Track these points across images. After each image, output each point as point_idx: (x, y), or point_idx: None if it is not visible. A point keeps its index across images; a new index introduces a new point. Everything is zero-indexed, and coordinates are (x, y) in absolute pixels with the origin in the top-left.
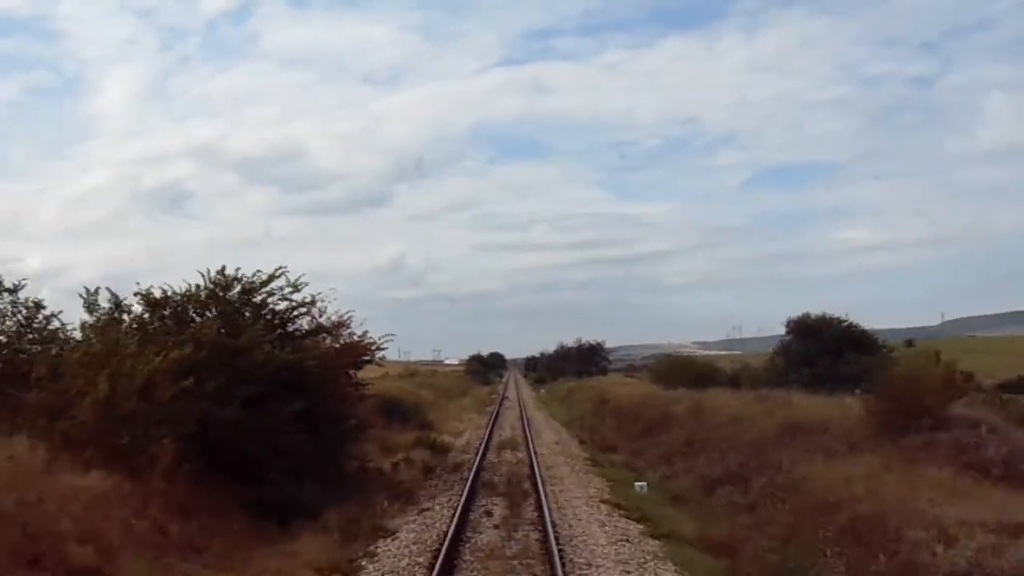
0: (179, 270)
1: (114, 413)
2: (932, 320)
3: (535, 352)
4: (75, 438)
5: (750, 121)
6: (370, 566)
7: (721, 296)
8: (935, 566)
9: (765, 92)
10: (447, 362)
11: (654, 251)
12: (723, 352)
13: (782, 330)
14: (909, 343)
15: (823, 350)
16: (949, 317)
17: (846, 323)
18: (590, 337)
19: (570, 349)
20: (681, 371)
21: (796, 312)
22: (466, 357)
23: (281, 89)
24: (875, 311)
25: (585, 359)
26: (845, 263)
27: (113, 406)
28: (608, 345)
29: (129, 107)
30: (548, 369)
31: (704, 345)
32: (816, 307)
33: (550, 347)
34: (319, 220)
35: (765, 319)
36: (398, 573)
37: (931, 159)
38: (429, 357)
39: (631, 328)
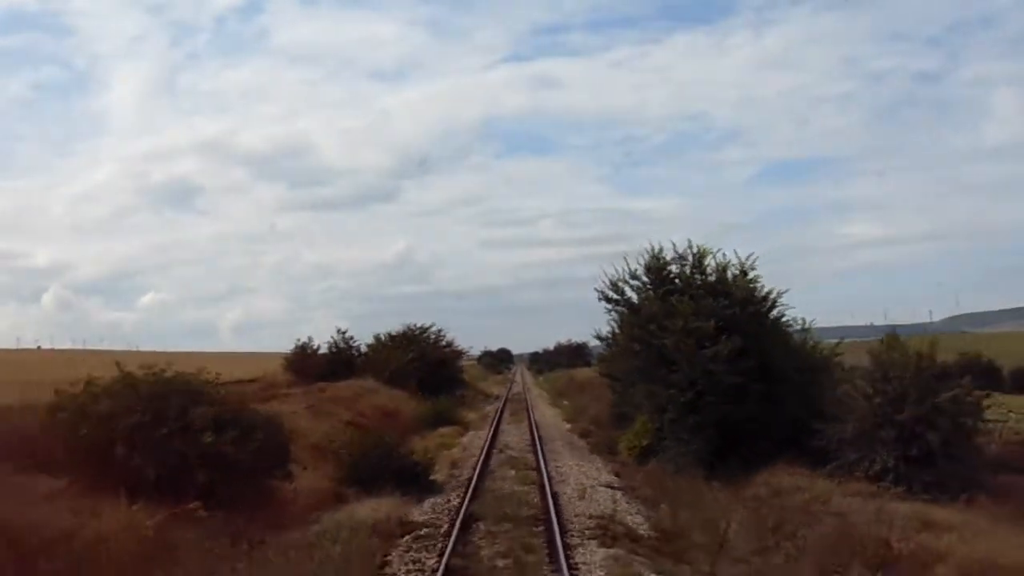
0: (186, 266)
1: (396, 371)
2: (938, 315)
3: (540, 348)
4: (386, 378)
5: (757, 117)
6: (480, 411)
7: None
8: None
9: (772, 88)
10: None
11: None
12: None
13: None
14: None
15: None
16: (953, 312)
17: None
18: (585, 337)
19: (564, 347)
20: None
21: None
22: (476, 353)
23: (289, 85)
24: (877, 306)
25: (574, 355)
26: (849, 258)
27: (395, 368)
28: None
29: (138, 103)
30: (547, 363)
31: None
32: (819, 302)
33: (553, 344)
34: (326, 215)
35: None
36: (492, 411)
37: (937, 154)
38: None
39: None
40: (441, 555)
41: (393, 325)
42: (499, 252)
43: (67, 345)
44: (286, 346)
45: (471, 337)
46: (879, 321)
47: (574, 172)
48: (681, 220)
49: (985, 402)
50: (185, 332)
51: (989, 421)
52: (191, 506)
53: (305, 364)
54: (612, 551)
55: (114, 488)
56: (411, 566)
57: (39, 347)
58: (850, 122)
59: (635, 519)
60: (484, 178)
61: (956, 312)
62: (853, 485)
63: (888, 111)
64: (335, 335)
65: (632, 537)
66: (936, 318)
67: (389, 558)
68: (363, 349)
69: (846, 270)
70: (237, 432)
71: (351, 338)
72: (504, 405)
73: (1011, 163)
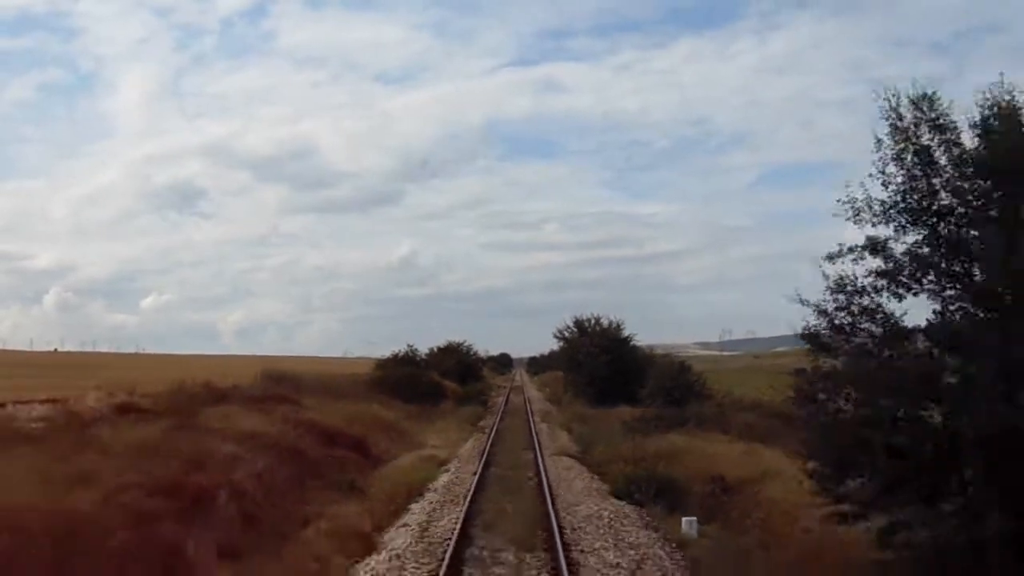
0: (189, 269)
1: (446, 370)
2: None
3: (540, 351)
4: (441, 374)
5: (761, 121)
6: (497, 392)
7: (728, 296)
8: None
9: (777, 93)
10: None
11: (664, 251)
12: (716, 352)
13: (770, 332)
14: None
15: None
16: None
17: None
18: None
19: (556, 352)
20: None
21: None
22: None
23: (294, 87)
24: None
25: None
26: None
27: (445, 368)
28: None
29: (143, 105)
30: (543, 366)
31: (705, 345)
32: None
33: (549, 348)
34: (330, 218)
35: (771, 319)
36: (503, 392)
37: None
38: None
39: (639, 328)
40: (497, 415)
41: (395, 328)
42: (502, 255)
43: (75, 347)
44: (288, 349)
45: (473, 340)
46: None
47: (578, 176)
48: (684, 224)
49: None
50: (187, 335)
51: (711, 388)
52: (425, 405)
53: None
54: (543, 410)
55: (398, 398)
56: (491, 418)
57: (55, 350)
58: (854, 127)
59: (555, 415)
60: (488, 181)
61: None
62: (647, 410)
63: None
64: (406, 348)
65: (551, 415)
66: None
67: (483, 417)
68: (423, 356)
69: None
70: (431, 385)
71: (416, 349)
72: (510, 390)
73: None
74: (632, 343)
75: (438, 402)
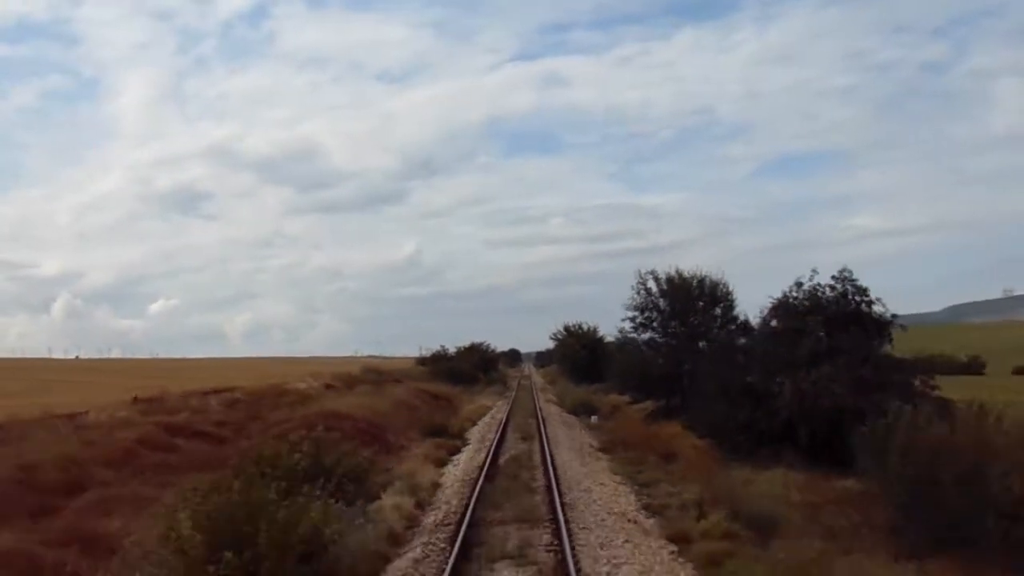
0: (194, 272)
1: (473, 363)
2: (943, 304)
3: (546, 346)
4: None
5: (763, 111)
6: (511, 378)
7: (732, 286)
8: None
9: (777, 82)
10: None
11: (668, 242)
12: None
13: None
14: None
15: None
16: (957, 301)
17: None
18: None
19: None
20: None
21: None
22: None
23: (296, 89)
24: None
25: None
26: (852, 250)
27: (471, 362)
28: None
29: (145, 109)
30: (550, 359)
31: None
32: None
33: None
34: (333, 218)
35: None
36: (516, 379)
37: (941, 145)
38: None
39: None
40: (514, 391)
41: (401, 327)
42: (508, 251)
43: (92, 354)
44: (295, 350)
45: (481, 337)
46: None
47: (581, 169)
48: (687, 215)
49: None
50: (194, 338)
51: None
52: (466, 386)
53: (435, 360)
54: (543, 388)
55: (448, 381)
56: (511, 392)
57: (77, 357)
58: (855, 115)
59: (549, 389)
60: (492, 178)
61: (960, 301)
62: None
63: (893, 103)
64: (439, 348)
65: (547, 389)
66: (939, 307)
67: (505, 392)
68: (452, 353)
69: (849, 261)
70: (469, 373)
71: (447, 348)
72: (520, 378)
73: (1017, 153)
74: (604, 340)
75: (474, 384)
